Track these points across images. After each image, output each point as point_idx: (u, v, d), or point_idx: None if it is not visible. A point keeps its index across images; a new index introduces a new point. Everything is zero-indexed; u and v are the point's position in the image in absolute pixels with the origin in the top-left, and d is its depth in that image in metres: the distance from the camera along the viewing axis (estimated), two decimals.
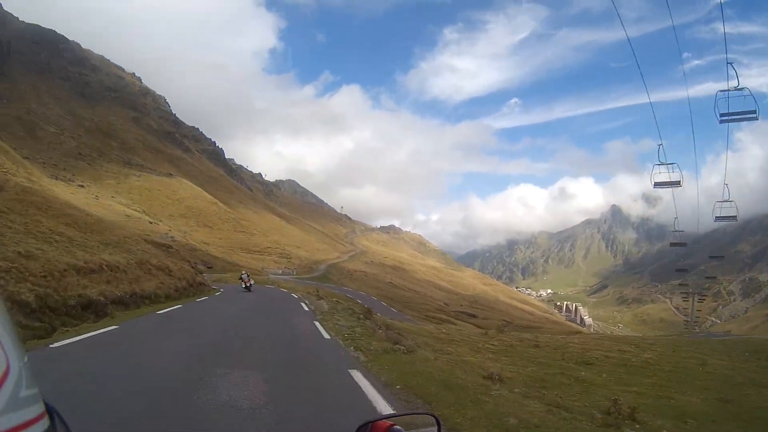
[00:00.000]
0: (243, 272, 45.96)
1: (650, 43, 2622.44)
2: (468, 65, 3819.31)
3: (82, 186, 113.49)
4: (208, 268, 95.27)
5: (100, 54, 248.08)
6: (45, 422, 1.05)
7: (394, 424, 2.31)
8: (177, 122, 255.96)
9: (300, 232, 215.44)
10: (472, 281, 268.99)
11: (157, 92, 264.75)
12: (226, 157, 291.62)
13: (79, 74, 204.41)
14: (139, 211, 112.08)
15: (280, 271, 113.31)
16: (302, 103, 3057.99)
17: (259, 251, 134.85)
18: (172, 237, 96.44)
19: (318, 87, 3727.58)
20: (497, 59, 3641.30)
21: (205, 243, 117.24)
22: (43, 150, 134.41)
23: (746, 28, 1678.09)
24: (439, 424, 2.55)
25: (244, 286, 41.82)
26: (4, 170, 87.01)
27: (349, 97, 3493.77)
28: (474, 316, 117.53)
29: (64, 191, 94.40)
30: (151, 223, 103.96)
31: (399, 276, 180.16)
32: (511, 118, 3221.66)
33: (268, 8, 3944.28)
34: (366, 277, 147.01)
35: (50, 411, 1.11)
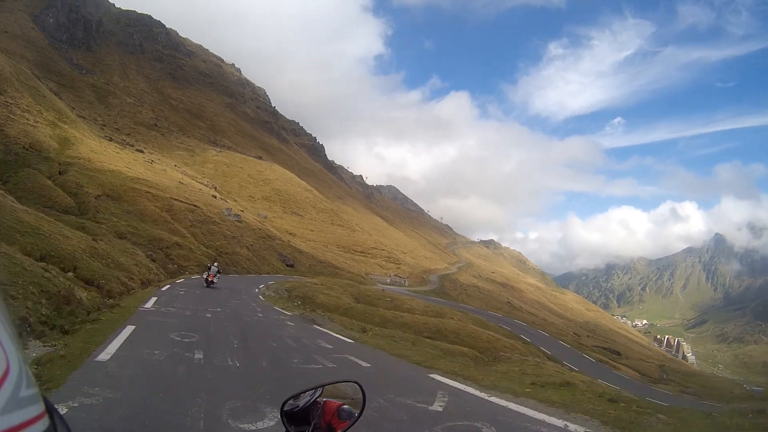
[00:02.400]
0: (214, 263, 34.62)
1: (757, 61, 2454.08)
2: (572, 81, 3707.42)
3: (141, 151, 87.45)
4: (288, 266, 67.70)
5: (199, 43, 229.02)
6: (45, 422, 1.02)
7: (343, 404, 2.29)
8: (275, 114, 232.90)
9: (404, 237, 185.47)
10: (577, 306, 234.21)
11: (257, 84, 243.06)
12: (327, 156, 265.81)
13: (172, 57, 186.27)
14: (206, 185, 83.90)
15: (389, 280, 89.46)
16: (408, 107, 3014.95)
17: (361, 251, 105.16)
18: (236, 215, 67.13)
19: (425, 92, 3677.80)
20: (601, 77, 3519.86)
21: (289, 233, 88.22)
22: (110, 115, 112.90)
23: None
24: (363, 391, 2.46)
25: (205, 277, 32.83)
26: (13, 104, 61.26)
27: (457, 104, 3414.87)
28: (618, 353, 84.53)
29: (99, 147, 68.26)
30: (215, 197, 75.54)
31: (511, 294, 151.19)
32: (614, 137, 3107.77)
33: (375, 14, 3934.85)
34: (481, 293, 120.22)
35: (50, 410, 1.08)
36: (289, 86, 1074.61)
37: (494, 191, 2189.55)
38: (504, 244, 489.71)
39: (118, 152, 71.95)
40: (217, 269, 33.31)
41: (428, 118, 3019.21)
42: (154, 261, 38.11)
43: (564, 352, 46.74)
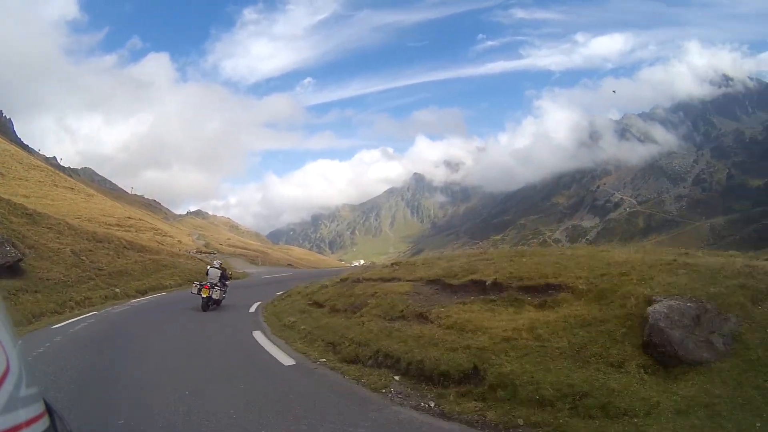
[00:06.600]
0: (215, 261, 20.32)
1: (448, 23, 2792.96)
2: (267, 44, 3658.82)
3: None
4: (8, 266, 18.75)
5: None
6: (45, 421, 0.98)
7: None
8: None
9: (132, 212, 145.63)
10: (308, 257, 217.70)
11: None
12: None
13: None
14: None
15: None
16: (103, 72, 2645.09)
17: (117, 224, 70.25)
18: None
19: (123, 55, 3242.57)
20: (295, 39, 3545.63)
21: None
22: None
23: (541, 14, 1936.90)
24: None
25: (197, 291, 16.73)
26: None
27: (155, 66, 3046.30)
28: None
29: None
30: None
31: (276, 258, 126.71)
32: (305, 96, 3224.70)
33: None
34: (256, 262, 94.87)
35: (50, 410, 1.03)
36: None
37: (196, 157, 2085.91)
38: (210, 213, 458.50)
39: None
40: (220, 273, 16.47)
41: (125, 83, 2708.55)
42: None
43: None
